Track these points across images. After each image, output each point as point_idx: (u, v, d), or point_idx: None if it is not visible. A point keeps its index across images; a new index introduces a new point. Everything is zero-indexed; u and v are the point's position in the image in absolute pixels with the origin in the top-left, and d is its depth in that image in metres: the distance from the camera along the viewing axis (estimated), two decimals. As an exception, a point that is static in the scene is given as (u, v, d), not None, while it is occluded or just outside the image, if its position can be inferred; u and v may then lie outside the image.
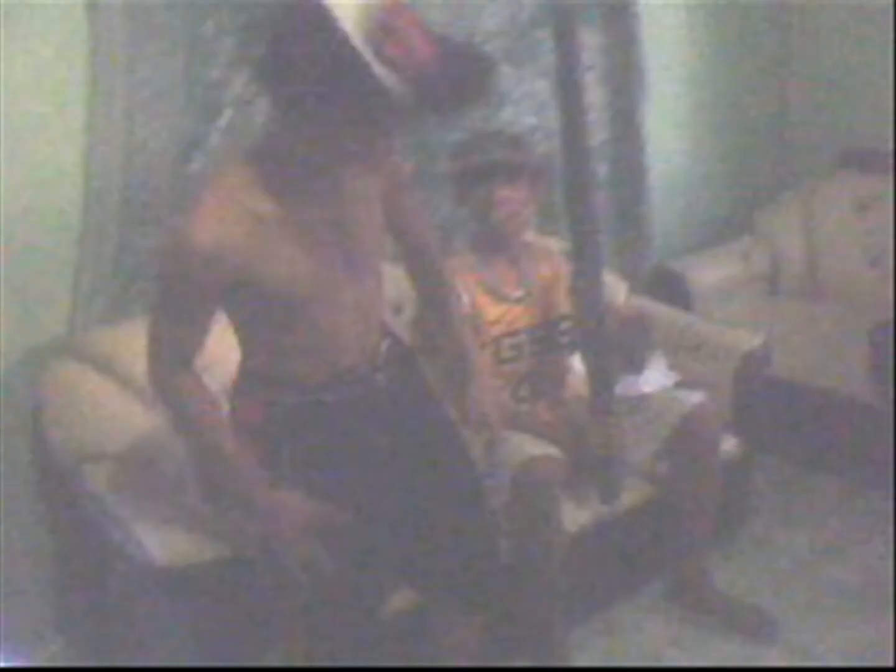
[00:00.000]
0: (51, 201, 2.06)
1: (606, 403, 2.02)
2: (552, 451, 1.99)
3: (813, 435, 2.74)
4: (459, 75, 1.22)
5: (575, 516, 2.09)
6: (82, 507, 1.82)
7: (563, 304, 2.23)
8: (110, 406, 1.88)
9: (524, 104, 2.79)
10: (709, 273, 3.00)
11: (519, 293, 2.19)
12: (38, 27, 1.99)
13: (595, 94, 2.93)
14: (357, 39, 1.14)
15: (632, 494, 2.16)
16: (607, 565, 2.21)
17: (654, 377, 2.33)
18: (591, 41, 2.86)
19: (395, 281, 2.37)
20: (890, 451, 2.51)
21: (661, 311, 2.60)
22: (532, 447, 1.99)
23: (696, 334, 2.52)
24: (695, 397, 2.22)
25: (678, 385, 2.39)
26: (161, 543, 1.66)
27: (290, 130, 1.34)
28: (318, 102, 1.23)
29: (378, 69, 1.16)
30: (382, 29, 1.15)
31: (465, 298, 2.09)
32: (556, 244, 2.33)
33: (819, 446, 2.75)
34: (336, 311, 1.49)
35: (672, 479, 2.22)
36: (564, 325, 2.23)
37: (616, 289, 2.54)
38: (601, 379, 2.03)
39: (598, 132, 2.96)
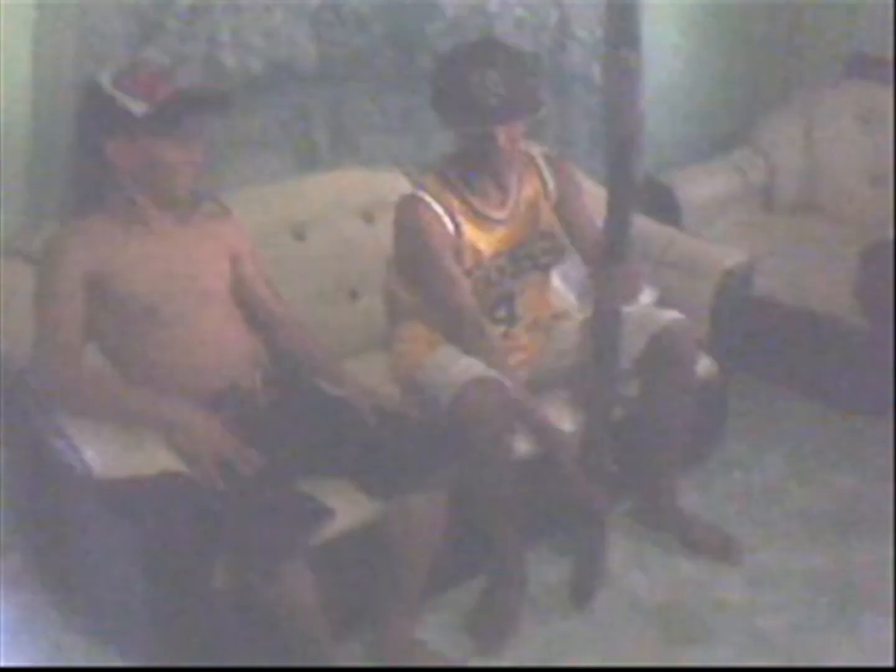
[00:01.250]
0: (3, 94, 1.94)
1: (621, 249, 1.88)
2: (491, 374, 1.91)
3: (793, 356, 2.67)
4: (190, 102, 1.76)
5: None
6: (29, 415, 1.76)
7: (545, 220, 2.11)
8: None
9: (514, -6, 2.62)
10: (701, 186, 2.88)
11: (503, 214, 2.06)
12: None
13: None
14: (109, 87, 1.73)
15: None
16: (571, 488, 2.15)
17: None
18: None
19: (369, 188, 2.32)
20: (871, 374, 2.45)
21: (645, 225, 2.48)
22: (474, 370, 1.91)
23: (678, 250, 2.44)
24: (670, 314, 2.14)
25: (657, 302, 2.32)
26: (100, 454, 1.62)
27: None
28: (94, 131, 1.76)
29: (121, 98, 1.71)
30: (128, 80, 1.74)
31: (450, 225, 1.98)
32: (537, 149, 2.17)
33: (798, 368, 2.68)
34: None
35: (643, 398, 2.15)
36: (545, 243, 2.12)
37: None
38: (617, 225, 1.87)
39: (595, 29, 2.81)
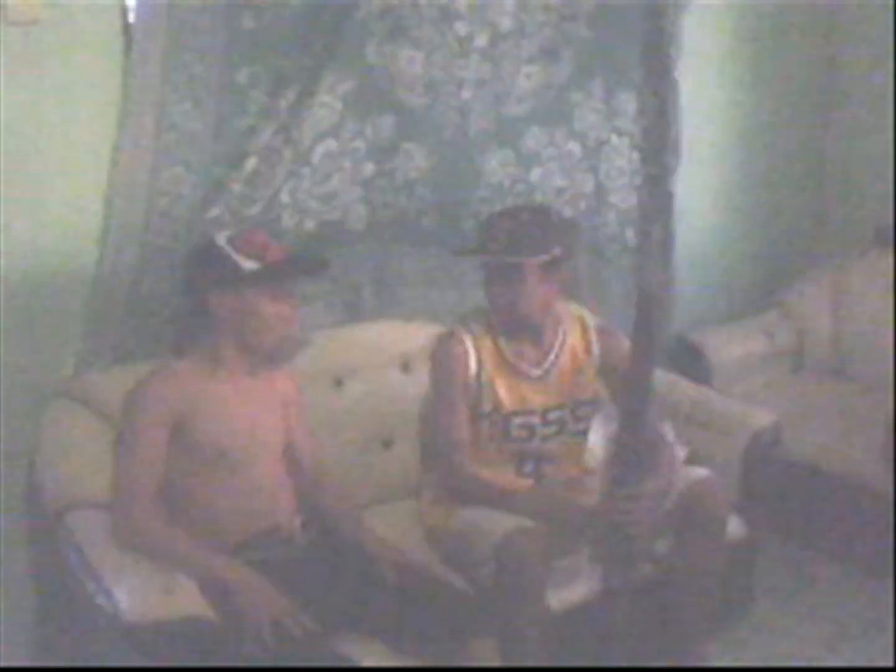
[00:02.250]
0: (68, 242, 2.10)
1: (640, 408, 1.90)
2: (531, 524, 1.95)
3: (821, 519, 2.67)
4: (295, 265, 1.96)
5: (564, 595, 2.03)
6: (64, 554, 1.79)
7: (588, 387, 2.16)
8: (102, 452, 1.87)
9: (554, 165, 2.79)
10: (730, 347, 2.96)
11: (538, 372, 2.12)
12: (70, 70, 2.05)
13: (627, 159, 2.94)
14: (224, 245, 1.91)
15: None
16: (598, 647, 2.13)
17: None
18: (627, 106, 2.87)
19: (406, 339, 2.43)
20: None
21: (674, 383, 2.55)
22: (512, 521, 1.95)
23: (708, 409, 2.47)
24: (700, 472, 2.16)
25: (686, 460, 2.35)
26: (131, 597, 1.64)
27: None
28: (203, 282, 1.91)
29: (235, 256, 1.88)
30: (242, 241, 1.91)
31: (473, 366, 2.06)
32: (590, 318, 2.25)
33: (828, 532, 2.68)
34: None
35: (673, 558, 2.15)
36: (584, 410, 2.16)
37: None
38: (637, 384, 1.90)
39: (628, 197, 2.97)
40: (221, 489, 1.85)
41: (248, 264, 1.86)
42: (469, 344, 2.08)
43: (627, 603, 1.98)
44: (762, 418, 2.43)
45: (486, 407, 2.09)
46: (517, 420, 2.10)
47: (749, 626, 2.44)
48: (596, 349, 2.19)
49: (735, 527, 2.31)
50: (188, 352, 1.92)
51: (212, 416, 1.84)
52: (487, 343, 2.10)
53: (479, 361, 2.08)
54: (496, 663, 1.81)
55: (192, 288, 1.92)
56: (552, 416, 2.13)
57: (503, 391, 2.09)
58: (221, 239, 1.91)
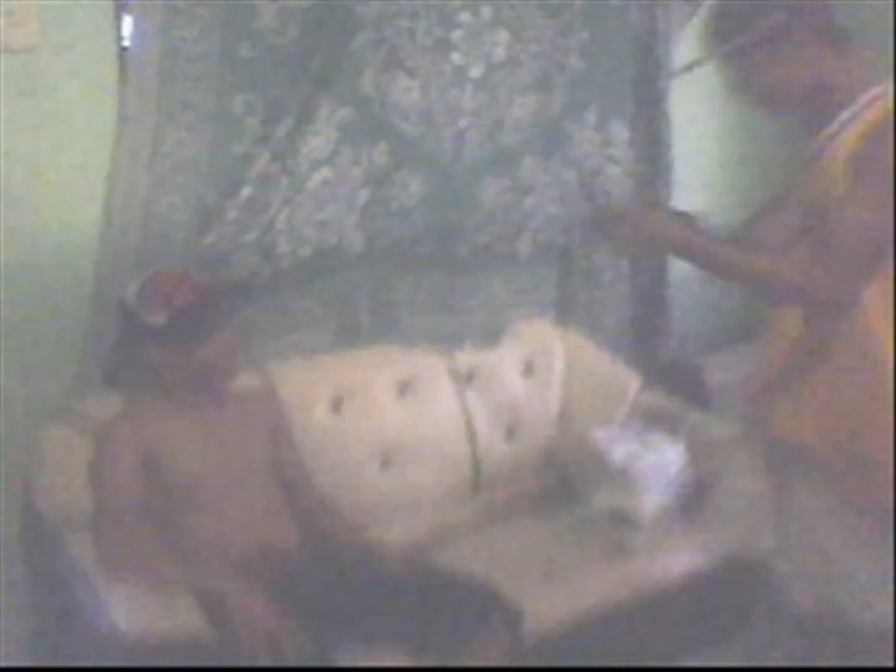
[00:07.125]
0: (64, 264, 2.12)
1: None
2: None
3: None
4: (202, 314, 1.82)
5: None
6: (61, 573, 1.81)
7: None
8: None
9: (548, 194, 2.81)
10: (729, 370, 2.94)
11: None
12: (66, 96, 2.08)
13: (621, 187, 2.95)
14: (132, 302, 1.83)
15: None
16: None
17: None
18: (619, 135, 2.90)
19: (403, 363, 2.39)
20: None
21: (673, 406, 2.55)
22: None
23: (710, 431, 2.47)
24: None
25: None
26: (129, 615, 1.64)
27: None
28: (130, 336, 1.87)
29: (141, 312, 1.82)
30: (149, 291, 1.83)
31: None
32: None
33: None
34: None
35: None
36: None
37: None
38: None
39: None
40: (204, 521, 1.83)
41: (156, 317, 1.79)
42: None
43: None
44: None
45: None
46: None
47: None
48: None
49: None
50: (150, 391, 1.89)
51: (178, 453, 1.83)
52: None
53: None
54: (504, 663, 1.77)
55: (125, 343, 1.89)
56: None
57: None
58: (131, 292, 1.83)
